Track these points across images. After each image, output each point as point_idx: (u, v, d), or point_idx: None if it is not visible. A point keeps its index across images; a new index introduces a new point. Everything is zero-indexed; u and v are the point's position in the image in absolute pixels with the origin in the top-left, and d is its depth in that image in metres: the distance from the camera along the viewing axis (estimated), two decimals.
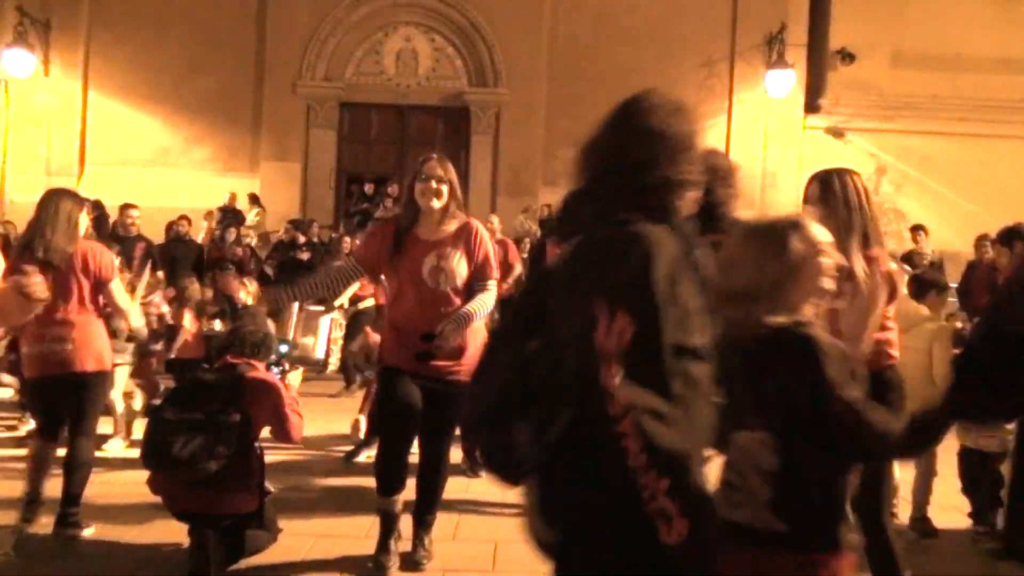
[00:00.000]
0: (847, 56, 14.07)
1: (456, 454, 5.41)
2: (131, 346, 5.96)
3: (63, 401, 4.29)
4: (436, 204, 3.82)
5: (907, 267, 6.58)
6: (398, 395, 3.74)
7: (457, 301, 3.83)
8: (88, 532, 4.26)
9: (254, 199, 13.30)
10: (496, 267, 4.04)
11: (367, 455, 5.45)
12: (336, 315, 9.16)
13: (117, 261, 4.75)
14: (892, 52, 14.07)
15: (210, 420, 3.57)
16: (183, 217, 10.78)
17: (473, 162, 14.08)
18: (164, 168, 13.87)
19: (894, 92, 13.99)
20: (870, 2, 14.01)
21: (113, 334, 4.89)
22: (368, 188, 13.79)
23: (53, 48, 13.87)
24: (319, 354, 9.61)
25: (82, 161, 14.03)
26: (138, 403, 6.23)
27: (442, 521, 4.09)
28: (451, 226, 3.90)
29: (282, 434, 3.84)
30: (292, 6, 13.91)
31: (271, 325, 6.76)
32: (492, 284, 3.93)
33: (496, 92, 14.05)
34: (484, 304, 3.86)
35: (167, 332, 6.97)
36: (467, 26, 14.10)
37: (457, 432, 4.19)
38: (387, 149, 14.57)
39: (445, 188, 3.85)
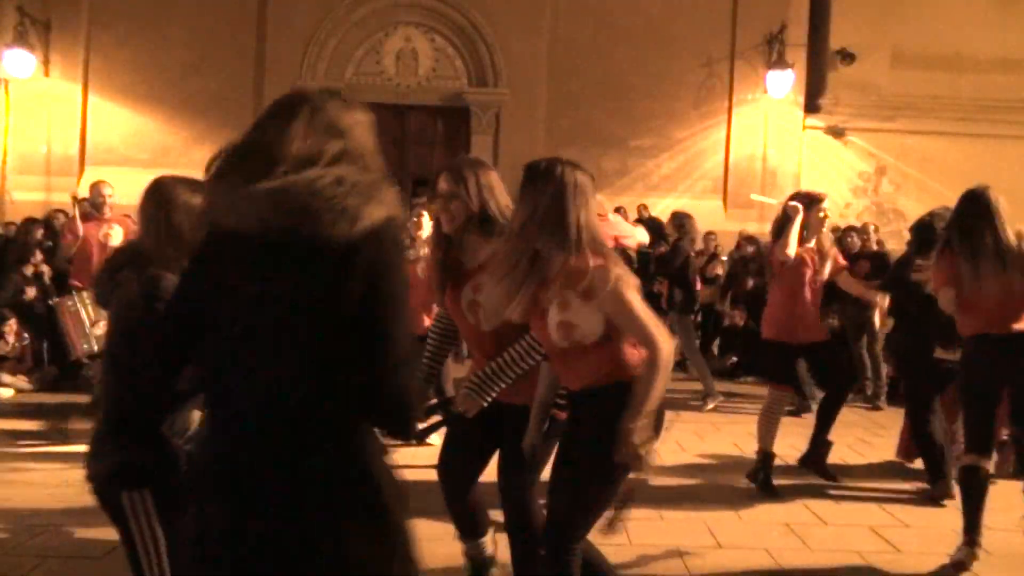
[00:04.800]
0: (847, 56, 14.07)
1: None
2: None
3: None
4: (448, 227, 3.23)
5: None
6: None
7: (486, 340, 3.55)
8: None
9: None
10: None
11: None
12: None
13: None
14: (892, 52, 14.08)
15: None
16: None
17: None
18: (164, 168, 13.72)
19: (894, 92, 13.99)
20: (870, 2, 14.01)
21: None
22: None
23: (53, 48, 13.86)
24: None
25: (82, 161, 14.02)
26: None
27: (442, 521, 4.09)
28: (488, 249, 3.18)
29: None
30: (292, 6, 13.91)
31: None
32: None
33: (496, 92, 14.05)
34: None
35: None
36: (467, 26, 14.10)
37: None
38: (387, 149, 14.42)
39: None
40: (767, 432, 5.52)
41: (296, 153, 1.75)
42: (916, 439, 5.80)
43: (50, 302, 8.22)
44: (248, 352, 1.73)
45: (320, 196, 1.68)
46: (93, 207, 8.01)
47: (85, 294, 6.80)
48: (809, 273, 5.57)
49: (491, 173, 3.26)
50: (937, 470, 5.47)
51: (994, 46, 13.80)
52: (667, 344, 2.68)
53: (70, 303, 6.81)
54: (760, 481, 5.47)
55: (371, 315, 1.72)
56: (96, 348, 6.84)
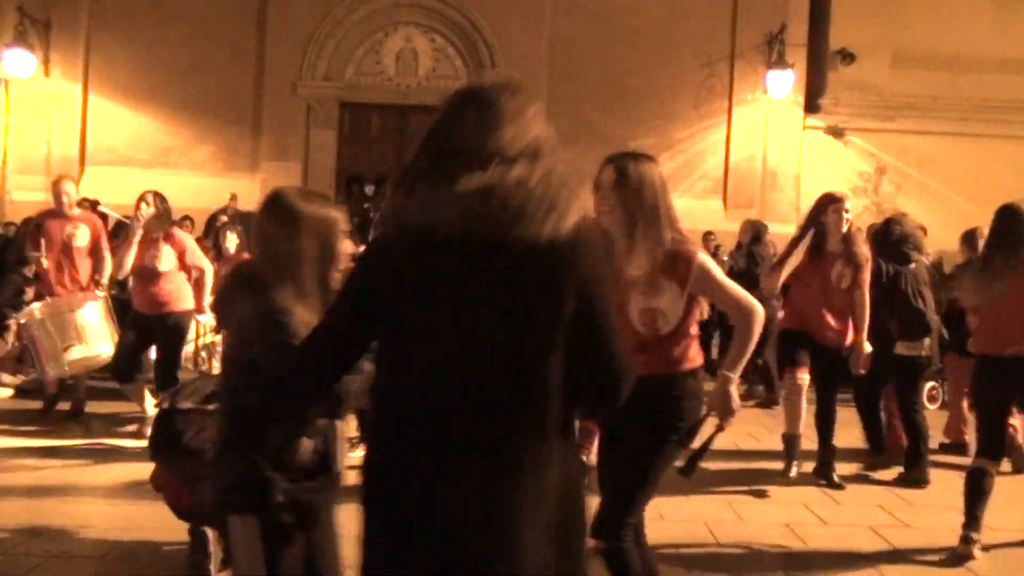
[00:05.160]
0: (847, 56, 14.07)
1: None
2: None
3: None
4: None
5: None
6: None
7: None
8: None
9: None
10: None
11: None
12: None
13: None
14: (892, 52, 14.07)
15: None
16: (186, 217, 10.79)
17: None
18: (164, 168, 13.86)
19: (894, 92, 13.99)
20: (870, 2, 14.00)
21: None
22: (368, 188, 13.78)
23: (53, 48, 13.87)
24: None
25: (82, 161, 14.03)
26: None
27: None
28: None
29: None
30: (292, 6, 13.91)
31: None
32: None
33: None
34: None
35: None
36: (467, 26, 14.10)
37: None
38: (387, 149, 14.56)
39: None
40: (788, 416, 5.65)
41: (493, 148, 1.69)
42: (866, 423, 6.20)
43: (14, 319, 7.76)
44: (448, 357, 1.69)
45: (532, 193, 1.64)
46: (55, 205, 7.15)
47: (61, 308, 6.52)
48: (819, 277, 5.47)
49: None
50: (878, 442, 5.95)
51: (994, 46, 13.79)
52: (759, 304, 3.04)
53: (35, 328, 6.42)
54: (784, 467, 5.62)
55: (587, 320, 1.70)
56: (67, 372, 6.64)
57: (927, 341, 5.90)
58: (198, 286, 6.55)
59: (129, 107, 13.92)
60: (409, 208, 1.72)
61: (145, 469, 3.77)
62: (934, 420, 6.42)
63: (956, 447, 6.55)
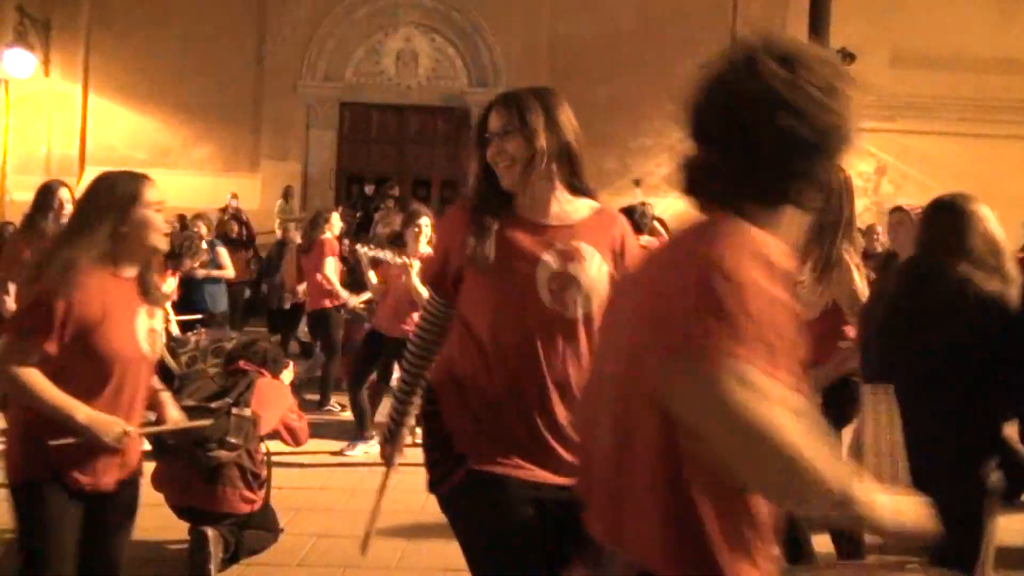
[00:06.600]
0: (847, 56, 14.04)
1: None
2: None
3: None
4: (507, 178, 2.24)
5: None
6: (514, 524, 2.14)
7: (584, 341, 2.14)
8: None
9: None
10: None
11: (364, 450, 5.58)
12: None
13: None
14: (892, 52, 14.08)
15: (226, 411, 3.68)
16: (180, 216, 10.80)
17: None
18: (164, 168, 13.84)
19: (894, 92, 13.99)
20: (870, 2, 14.01)
21: None
22: (368, 188, 13.79)
23: (53, 48, 13.87)
24: None
25: (82, 161, 14.03)
26: None
27: (442, 522, 4.09)
28: (582, 209, 2.30)
29: (290, 437, 4.04)
30: (292, 6, 13.92)
31: None
32: None
33: (496, 92, 14.04)
34: None
35: None
36: (467, 26, 14.11)
37: None
38: (387, 149, 14.58)
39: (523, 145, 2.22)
40: None
41: None
42: None
43: None
44: None
45: None
46: None
47: None
48: None
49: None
50: None
51: (994, 46, 13.80)
52: None
53: None
54: None
55: None
56: None
57: None
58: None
59: (129, 107, 13.93)
60: None
61: (145, 469, 3.77)
62: None
63: None
